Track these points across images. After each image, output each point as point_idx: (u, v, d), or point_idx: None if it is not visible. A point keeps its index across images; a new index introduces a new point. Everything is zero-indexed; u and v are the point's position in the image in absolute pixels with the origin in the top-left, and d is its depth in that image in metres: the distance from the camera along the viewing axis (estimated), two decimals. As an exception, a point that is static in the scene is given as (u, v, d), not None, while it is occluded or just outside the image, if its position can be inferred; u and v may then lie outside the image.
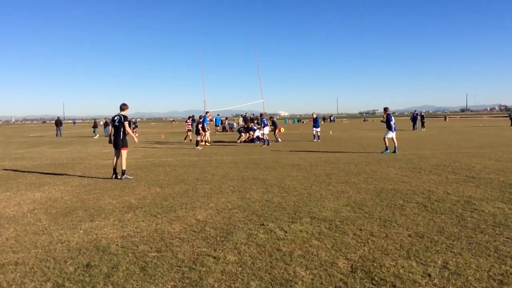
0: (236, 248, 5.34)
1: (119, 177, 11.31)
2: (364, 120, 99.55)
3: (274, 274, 4.46)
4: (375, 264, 4.67)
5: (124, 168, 11.36)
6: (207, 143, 24.48)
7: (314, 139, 26.18)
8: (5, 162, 16.47)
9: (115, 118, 11.51)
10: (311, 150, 19.30)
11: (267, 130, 23.82)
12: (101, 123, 39.55)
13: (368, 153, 17.47)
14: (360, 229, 6.08)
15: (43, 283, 4.32)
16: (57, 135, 39.77)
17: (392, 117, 17.47)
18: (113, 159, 11.68)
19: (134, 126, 43.26)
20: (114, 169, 11.51)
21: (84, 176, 11.92)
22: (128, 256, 5.08)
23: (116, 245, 5.54)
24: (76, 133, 50.05)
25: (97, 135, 36.83)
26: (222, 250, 5.24)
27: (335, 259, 4.86)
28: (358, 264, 4.68)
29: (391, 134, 17.21)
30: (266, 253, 5.13)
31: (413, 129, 40.53)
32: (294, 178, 10.99)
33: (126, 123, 11.45)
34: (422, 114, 44.22)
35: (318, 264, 4.72)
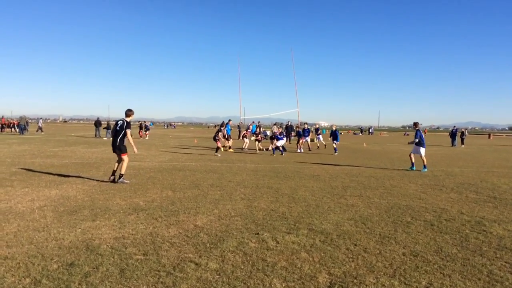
0: (222, 255, 5.31)
1: (116, 180, 11.25)
2: (404, 134, 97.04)
3: (249, 284, 4.40)
4: (355, 281, 4.54)
5: (122, 172, 11.35)
6: (230, 149, 24.82)
7: (335, 152, 24.85)
8: (37, 159, 17.06)
9: (118, 122, 11.53)
10: (336, 163, 19.05)
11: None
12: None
13: (395, 169, 17.05)
14: (355, 244, 5.94)
15: (23, 278, 4.43)
16: (96, 135, 40.89)
17: (422, 133, 16.94)
18: (115, 163, 11.68)
19: (145, 129, 43.23)
20: (113, 171, 11.46)
21: (105, 176, 12.17)
22: (113, 257, 5.14)
23: (107, 245, 5.62)
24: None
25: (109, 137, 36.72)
26: (207, 257, 5.23)
27: (316, 273, 4.75)
28: (339, 280, 4.57)
29: (423, 151, 16.51)
30: (250, 262, 5.08)
31: (452, 145, 39.42)
32: (308, 188, 10.86)
33: (129, 131, 11.34)
34: (463, 130, 43.07)
35: (297, 277, 4.64)
